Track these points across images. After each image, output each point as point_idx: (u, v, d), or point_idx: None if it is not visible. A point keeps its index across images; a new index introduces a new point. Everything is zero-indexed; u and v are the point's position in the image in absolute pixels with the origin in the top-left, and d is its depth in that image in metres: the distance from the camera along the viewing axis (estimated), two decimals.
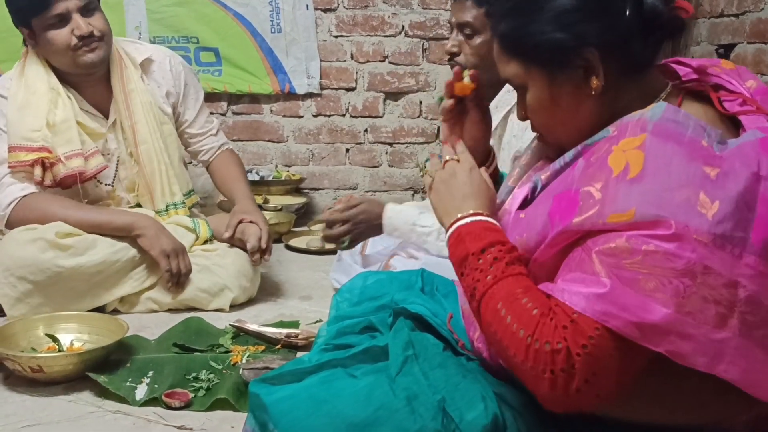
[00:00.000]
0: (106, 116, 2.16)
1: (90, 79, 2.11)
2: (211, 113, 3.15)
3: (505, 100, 1.92)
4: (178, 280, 2.00)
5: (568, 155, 0.95)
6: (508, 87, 1.90)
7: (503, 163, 1.91)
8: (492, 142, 1.99)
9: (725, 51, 2.84)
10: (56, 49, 2.03)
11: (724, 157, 0.83)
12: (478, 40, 1.88)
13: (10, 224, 2.01)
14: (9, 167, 2.02)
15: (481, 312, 0.90)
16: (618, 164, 0.84)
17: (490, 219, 0.99)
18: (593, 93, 0.93)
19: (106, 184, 2.17)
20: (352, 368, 1.03)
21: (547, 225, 0.88)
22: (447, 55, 1.95)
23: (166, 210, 2.18)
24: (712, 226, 0.80)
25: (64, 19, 1.99)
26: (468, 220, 0.98)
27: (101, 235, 1.98)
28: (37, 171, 2.02)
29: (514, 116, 1.83)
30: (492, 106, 1.87)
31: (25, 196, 2.01)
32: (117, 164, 2.17)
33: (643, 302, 0.78)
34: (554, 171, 0.97)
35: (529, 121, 1.02)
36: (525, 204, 0.99)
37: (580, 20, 0.92)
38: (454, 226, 0.98)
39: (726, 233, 0.80)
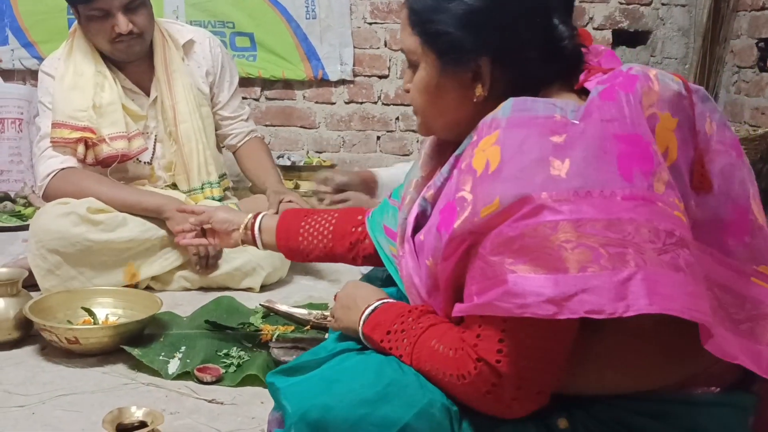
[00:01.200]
0: (147, 93, 2.20)
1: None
2: (245, 98, 3.18)
3: None
4: (206, 263, 2.03)
5: (444, 170, 0.98)
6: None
7: None
8: None
9: (766, 45, 2.79)
10: (96, 39, 2.09)
11: (577, 123, 0.84)
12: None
13: (47, 196, 2.06)
14: (51, 142, 2.07)
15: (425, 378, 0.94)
16: (480, 164, 0.85)
17: (382, 300, 1.04)
18: (475, 100, 0.95)
19: (144, 163, 2.21)
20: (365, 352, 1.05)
21: (438, 239, 0.90)
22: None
23: (202, 188, 2.21)
24: (568, 182, 0.80)
25: (106, 14, 2.03)
26: (363, 317, 1.03)
27: (131, 214, 2.02)
28: (80, 149, 2.07)
29: None
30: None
31: (63, 169, 2.06)
32: (155, 142, 2.21)
33: (543, 280, 0.79)
34: (437, 188, 0.99)
35: None
36: (418, 227, 1.01)
37: (483, 26, 0.92)
38: (360, 329, 1.03)
39: (587, 182, 0.80)
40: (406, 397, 0.89)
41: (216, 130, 2.36)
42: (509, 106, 0.87)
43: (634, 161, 0.82)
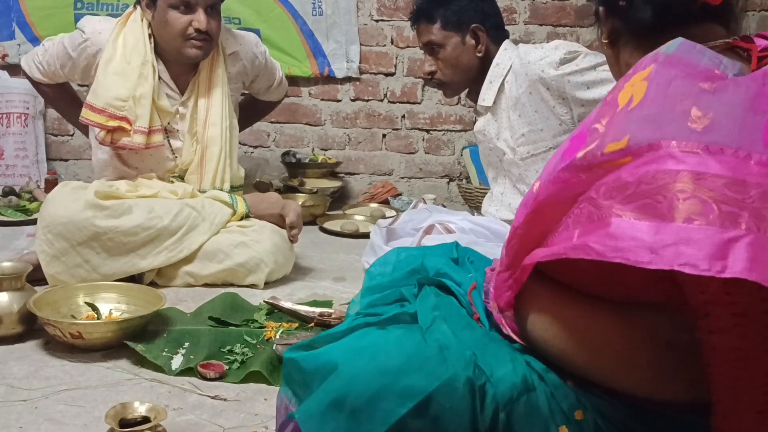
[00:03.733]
0: (182, 92, 2.22)
1: None
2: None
3: (495, 73, 2.11)
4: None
5: None
6: (496, 61, 2.11)
7: (511, 127, 2.12)
8: (484, 122, 2.20)
9: None
10: (169, 31, 2.09)
11: (733, 78, 0.81)
12: (444, 51, 2.09)
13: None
14: (83, 121, 2.13)
15: None
16: (625, 98, 0.83)
17: None
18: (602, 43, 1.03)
19: (172, 154, 2.23)
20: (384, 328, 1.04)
21: (558, 162, 0.88)
22: (427, 76, 2.18)
23: None
24: (701, 137, 0.77)
25: (189, 8, 2.06)
26: None
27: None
28: (104, 134, 2.12)
29: (508, 84, 2.10)
30: (487, 82, 2.11)
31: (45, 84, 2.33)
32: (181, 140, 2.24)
33: (646, 227, 0.76)
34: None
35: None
36: None
37: None
38: None
39: (724, 138, 0.77)
40: (429, 370, 0.87)
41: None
42: (677, 44, 0.86)
43: None
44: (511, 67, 2.07)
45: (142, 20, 2.15)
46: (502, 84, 2.09)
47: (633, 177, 0.79)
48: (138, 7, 2.17)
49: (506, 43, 2.12)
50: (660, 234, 0.75)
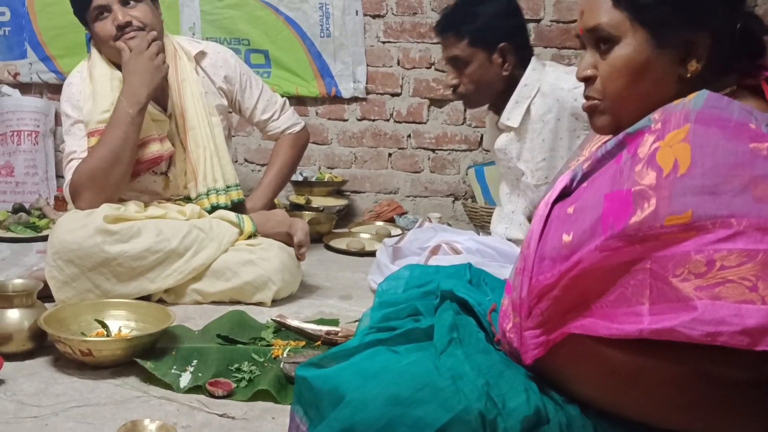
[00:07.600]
0: (165, 109, 2.24)
1: None
2: None
3: (523, 94, 2.07)
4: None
5: (610, 143, 0.92)
6: (524, 81, 2.05)
7: (534, 149, 2.11)
8: (507, 140, 2.17)
9: None
10: (102, 41, 2.13)
11: None
12: (469, 68, 2.06)
13: (74, 190, 2.08)
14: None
15: None
16: (667, 162, 0.81)
17: None
18: (688, 76, 0.91)
19: (160, 173, 2.24)
20: (395, 347, 1.02)
21: (598, 226, 0.85)
22: (449, 88, 2.16)
23: (207, 194, 2.25)
24: None
25: (105, 11, 2.10)
26: None
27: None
28: None
29: (535, 107, 2.06)
30: (512, 101, 2.08)
31: (78, 163, 2.10)
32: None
33: (738, 309, 0.76)
34: (596, 159, 0.93)
35: None
36: (564, 195, 0.96)
37: None
38: None
39: None
40: (442, 401, 0.86)
41: (262, 135, 2.55)
42: (702, 99, 0.83)
43: None
44: (539, 89, 2.05)
45: (100, 53, 2.18)
46: (529, 106, 2.07)
47: (706, 256, 0.78)
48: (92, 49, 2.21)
49: (534, 62, 2.09)
50: (756, 318, 0.75)
